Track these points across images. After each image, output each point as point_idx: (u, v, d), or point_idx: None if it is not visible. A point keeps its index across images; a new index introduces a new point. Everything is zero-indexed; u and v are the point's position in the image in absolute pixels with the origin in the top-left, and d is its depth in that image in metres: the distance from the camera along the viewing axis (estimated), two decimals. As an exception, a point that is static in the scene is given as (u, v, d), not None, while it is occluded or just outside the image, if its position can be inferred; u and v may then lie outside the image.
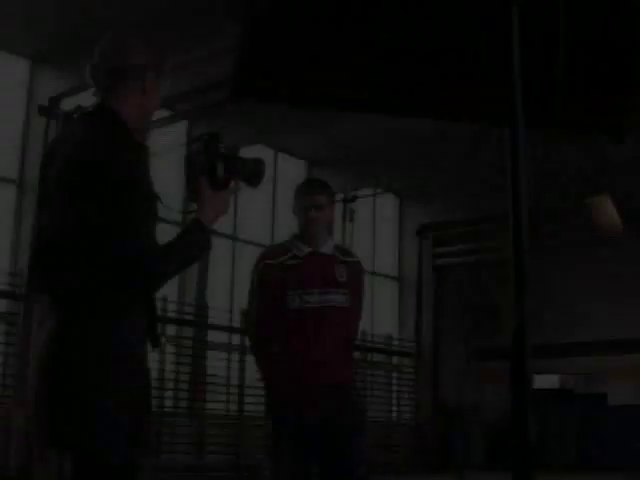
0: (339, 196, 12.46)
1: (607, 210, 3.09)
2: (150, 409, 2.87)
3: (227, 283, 11.84)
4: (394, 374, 14.21)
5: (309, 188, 4.93)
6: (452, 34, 2.02)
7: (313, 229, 4.81)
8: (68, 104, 9.48)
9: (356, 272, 5.00)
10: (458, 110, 2.18)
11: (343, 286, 4.81)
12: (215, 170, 2.93)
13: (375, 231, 14.65)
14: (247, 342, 5.17)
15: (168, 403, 10.60)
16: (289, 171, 13.14)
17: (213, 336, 11.30)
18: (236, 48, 2.04)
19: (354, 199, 12.44)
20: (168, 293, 10.30)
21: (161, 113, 7.93)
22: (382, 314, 14.57)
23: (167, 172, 8.16)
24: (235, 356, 11.36)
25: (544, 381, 15.94)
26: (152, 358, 2.96)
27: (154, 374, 9.25)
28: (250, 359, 11.03)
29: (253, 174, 3.07)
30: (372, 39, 2.07)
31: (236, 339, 11.42)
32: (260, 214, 12.62)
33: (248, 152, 12.34)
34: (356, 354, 12.97)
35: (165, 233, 2.81)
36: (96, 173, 2.74)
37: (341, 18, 2.04)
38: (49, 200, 2.86)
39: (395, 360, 14.20)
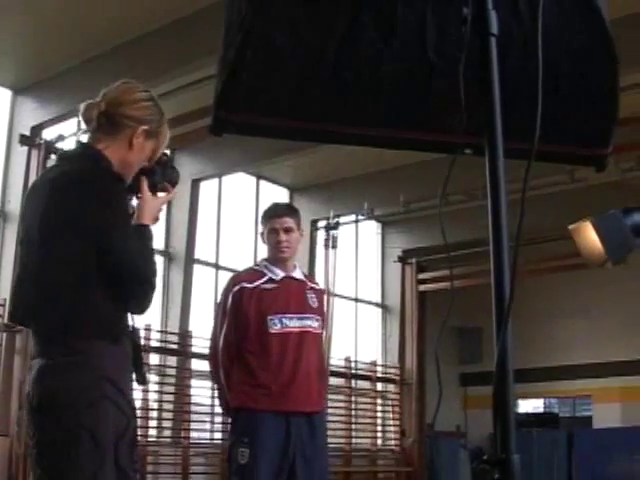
0: (321, 223, 12.52)
1: (589, 236, 3.09)
2: (136, 443, 2.87)
3: (210, 311, 11.79)
4: (378, 400, 14.16)
5: (277, 211, 4.94)
6: (431, 65, 2.04)
7: (284, 252, 4.81)
8: (50, 133, 9.48)
9: (322, 299, 5.04)
10: (439, 141, 2.20)
11: (315, 312, 4.84)
12: (154, 174, 3.00)
13: (358, 258, 14.65)
14: (209, 367, 5.09)
15: (152, 432, 10.52)
16: (271, 198, 13.13)
17: (197, 364, 11.24)
18: (215, 80, 2.05)
19: (336, 226, 12.48)
20: (151, 322, 10.27)
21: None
22: (366, 341, 14.55)
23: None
24: (219, 384, 11.28)
25: (529, 405, 15.96)
26: (135, 386, 2.98)
27: (138, 404, 9.20)
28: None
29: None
30: (350, 72, 2.08)
31: (220, 367, 11.37)
32: (242, 242, 12.60)
33: (230, 179, 12.38)
34: (340, 381, 12.94)
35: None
36: (78, 204, 2.76)
37: (320, 49, 2.05)
38: (31, 234, 2.87)
39: (379, 386, 14.16)
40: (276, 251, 4.80)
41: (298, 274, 4.92)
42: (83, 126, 3.00)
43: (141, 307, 2.83)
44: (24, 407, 2.84)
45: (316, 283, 5.13)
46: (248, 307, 4.69)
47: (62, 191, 2.81)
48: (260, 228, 4.94)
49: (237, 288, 4.75)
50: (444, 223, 2.02)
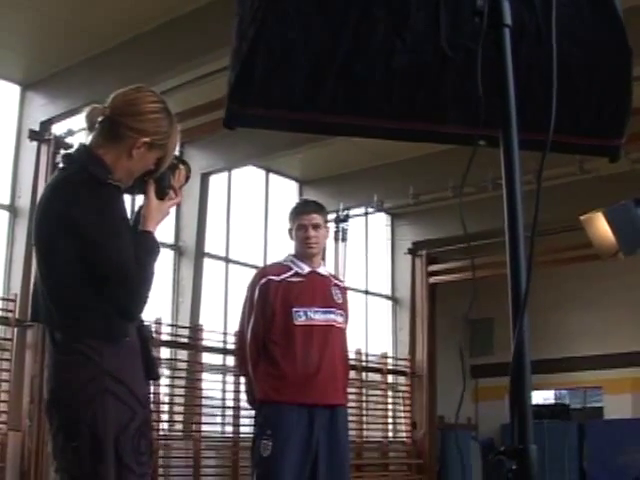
0: (331, 216, 12.51)
1: (601, 227, 3.07)
2: (146, 435, 2.88)
3: (221, 305, 11.81)
4: (389, 393, 14.16)
5: (306, 208, 5.04)
6: (444, 57, 2.03)
7: (312, 248, 4.89)
8: (59, 128, 9.48)
9: (346, 296, 5.11)
10: (452, 133, 2.19)
11: (340, 307, 4.90)
12: (163, 180, 2.99)
13: (367, 250, 14.64)
14: (235, 360, 5.14)
15: (163, 426, 10.54)
16: (280, 192, 13.14)
17: (207, 358, 11.26)
18: (228, 73, 2.05)
19: (346, 218, 12.47)
20: (162, 316, 10.27)
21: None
22: (376, 333, 14.53)
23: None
24: (230, 378, 11.31)
25: (539, 397, 15.94)
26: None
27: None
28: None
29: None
30: (363, 64, 2.08)
31: (230, 361, 11.38)
32: (252, 235, 12.60)
33: (239, 173, 12.37)
34: (351, 373, 12.93)
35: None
36: (65, 208, 2.78)
37: (332, 42, 2.05)
38: (34, 238, 2.92)
39: (390, 379, 14.14)
40: (305, 246, 4.91)
41: (323, 271, 5.03)
42: (84, 125, 2.97)
43: (125, 311, 2.80)
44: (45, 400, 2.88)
45: (340, 281, 5.22)
46: (274, 298, 4.78)
47: (52, 196, 2.84)
48: (288, 224, 5.03)
49: (264, 280, 4.85)
50: (455, 215, 2.03)
